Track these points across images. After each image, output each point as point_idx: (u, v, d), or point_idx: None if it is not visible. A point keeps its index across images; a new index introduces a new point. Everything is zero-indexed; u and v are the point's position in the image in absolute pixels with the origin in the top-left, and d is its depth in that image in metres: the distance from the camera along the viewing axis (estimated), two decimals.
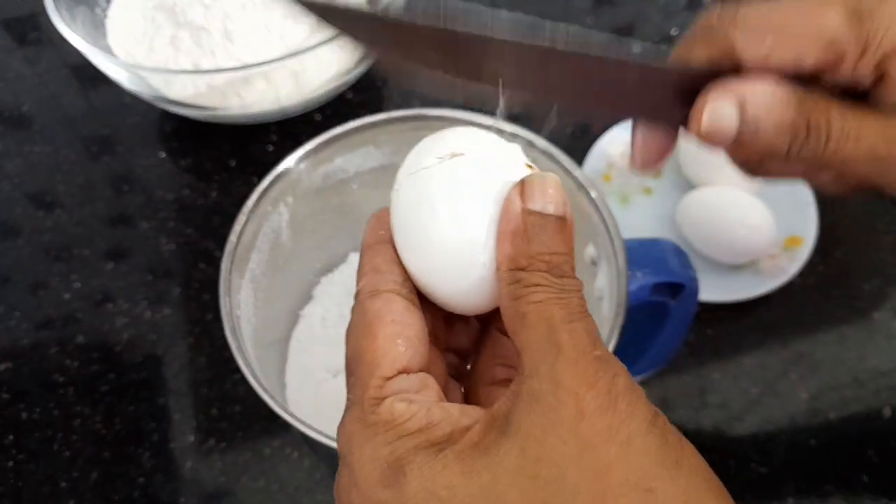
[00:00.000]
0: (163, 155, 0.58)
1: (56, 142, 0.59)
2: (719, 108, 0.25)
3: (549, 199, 0.21)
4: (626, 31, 0.65)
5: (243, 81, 0.53)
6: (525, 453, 0.18)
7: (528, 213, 0.20)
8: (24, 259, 0.53)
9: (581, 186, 0.35)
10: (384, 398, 0.19)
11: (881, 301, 0.49)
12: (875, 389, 0.46)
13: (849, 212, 0.53)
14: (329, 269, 0.43)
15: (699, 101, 0.26)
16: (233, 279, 0.33)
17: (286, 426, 0.45)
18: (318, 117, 0.59)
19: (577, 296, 0.20)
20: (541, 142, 0.37)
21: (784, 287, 0.48)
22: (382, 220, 0.23)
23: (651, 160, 0.28)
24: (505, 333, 0.23)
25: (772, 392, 0.46)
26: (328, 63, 0.55)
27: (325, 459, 0.40)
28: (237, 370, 0.47)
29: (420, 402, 0.19)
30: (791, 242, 0.49)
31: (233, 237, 0.34)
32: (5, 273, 0.52)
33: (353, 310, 0.21)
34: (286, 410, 0.29)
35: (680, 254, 0.35)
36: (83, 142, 0.59)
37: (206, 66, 0.55)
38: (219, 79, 0.52)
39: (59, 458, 0.45)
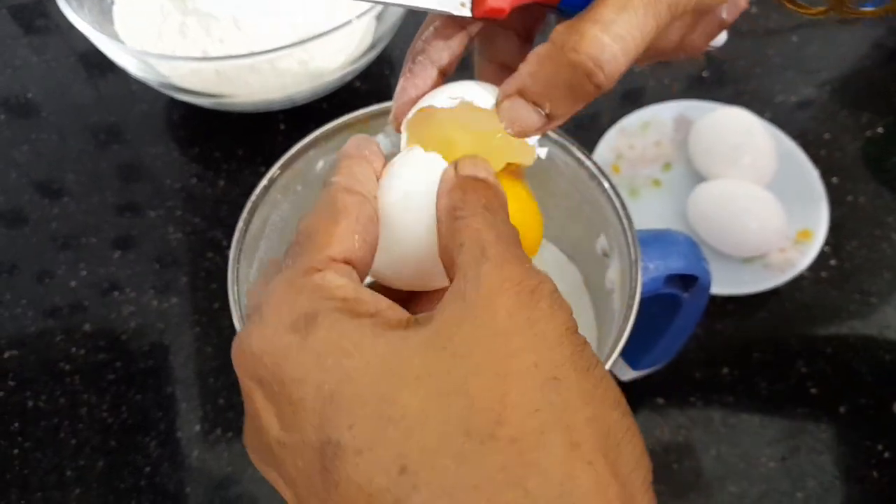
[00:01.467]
0: (171, 144, 0.58)
1: (63, 130, 0.59)
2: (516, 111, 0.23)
3: (479, 168, 0.22)
4: None
5: (251, 69, 0.52)
6: (438, 333, 0.18)
7: (461, 176, 0.21)
8: (31, 247, 0.53)
9: (593, 176, 0.34)
10: (322, 270, 0.19)
11: (891, 296, 0.49)
12: (885, 384, 0.46)
13: (859, 206, 0.53)
14: None
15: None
16: (241, 268, 0.33)
17: None
18: (325, 106, 0.59)
19: (514, 237, 0.20)
20: (551, 132, 0.36)
21: (794, 281, 0.48)
22: (371, 143, 0.23)
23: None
24: None
25: (780, 386, 0.46)
26: (336, 52, 0.55)
27: None
28: None
29: (355, 282, 0.20)
30: (801, 236, 0.49)
31: (241, 225, 0.33)
32: (12, 261, 0.52)
33: (320, 197, 0.22)
34: None
35: (693, 246, 0.34)
36: (91, 130, 0.59)
37: (214, 53, 0.54)
38: (227, 66, 0.52)
39: (66, 447, 0.45)
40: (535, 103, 0.22)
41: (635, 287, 0.31)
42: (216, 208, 0.54)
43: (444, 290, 0.20)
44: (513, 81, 0.22)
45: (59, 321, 0.49)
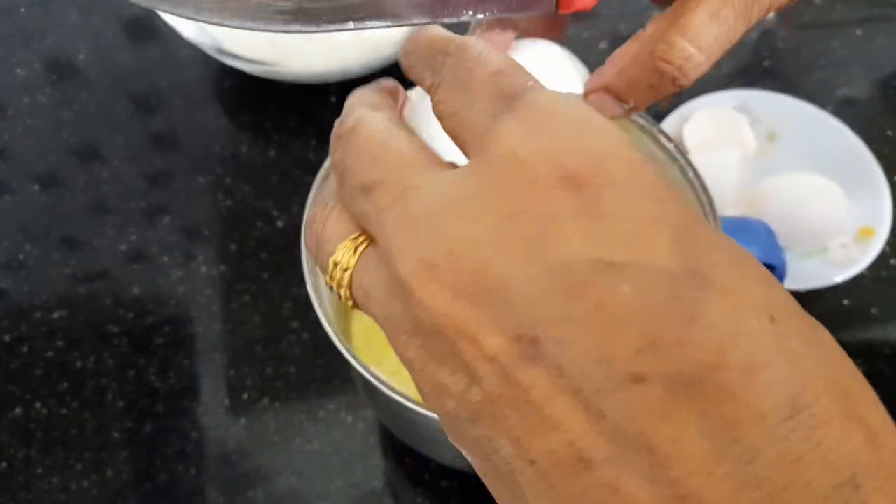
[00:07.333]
0: (220, 111, 0.57)
1: (112, 93, 0.58)
2: None
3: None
4: None
5: (306, 38, 0.52)
6: None
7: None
8: (80, 209, 0.52)
9: (674, 159, 0.34)
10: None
11: None
12: None
13: None
14: None
15: None
16: None
17: (341, 389, 0.45)
18: None
19: None
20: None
21: (854, 279, 0.46)
22: (394, 91, 0.22)
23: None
24: None
25: None
26: None
27: (390, 422, 0.39)
28: (292, 331, 0.47)
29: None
30: (863, 233, 0.48)
31: (314, 189, 0.33)
32: (61, 222, 0.52)
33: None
34: (374, 375, 0.28)
35: (770, 234, 0.34)
36: (140, 94, 0.58)
37: None
38: (282, 35, 0.51)
39: (114, 409, 0.44)
40: (618, 98, 0.23)
41: None
42: (266, 177, 0.53)
43: None
44: (598, 79, 0.23)
45: (107, 284, 0.49)
